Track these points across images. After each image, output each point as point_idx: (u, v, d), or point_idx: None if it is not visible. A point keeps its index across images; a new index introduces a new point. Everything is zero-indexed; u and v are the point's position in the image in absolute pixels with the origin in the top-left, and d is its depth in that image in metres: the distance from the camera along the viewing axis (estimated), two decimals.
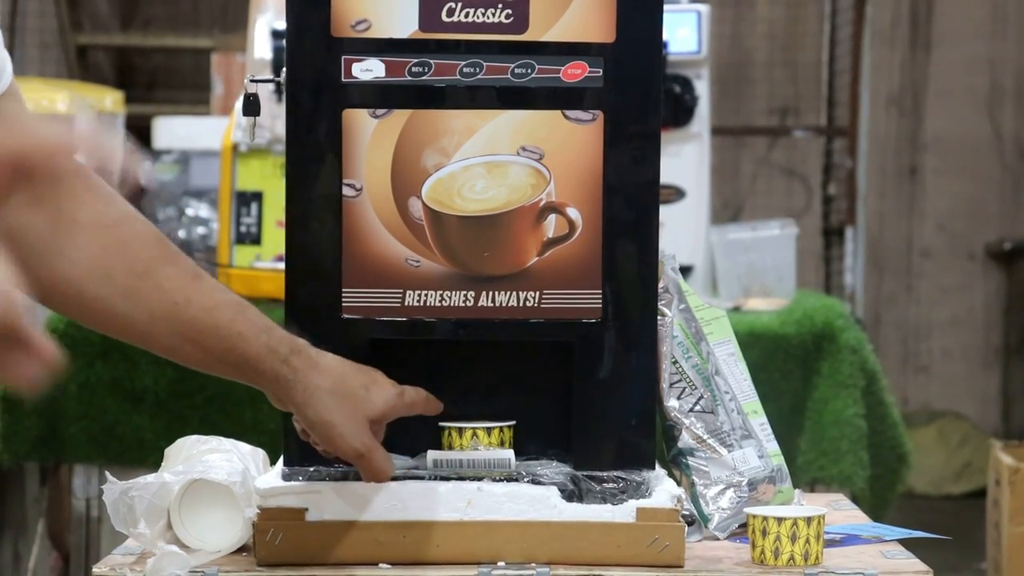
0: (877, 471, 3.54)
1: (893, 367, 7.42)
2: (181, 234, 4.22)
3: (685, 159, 3.56)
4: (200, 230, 4.43)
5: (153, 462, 1.74)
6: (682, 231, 3.58)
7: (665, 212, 3.85)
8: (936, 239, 7.43)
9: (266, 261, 3.35)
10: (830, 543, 1.56)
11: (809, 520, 1.48)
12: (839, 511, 1.76)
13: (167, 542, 1.52)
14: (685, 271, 3.70)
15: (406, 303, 1.51)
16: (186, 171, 4.28)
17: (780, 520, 1.48)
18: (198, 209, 4.35)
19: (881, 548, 1.56)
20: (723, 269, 3.73)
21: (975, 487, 7.15)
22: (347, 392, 1.43)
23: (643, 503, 1.49)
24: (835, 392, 3.45)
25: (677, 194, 3.59)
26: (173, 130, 4.32)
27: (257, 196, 3.57)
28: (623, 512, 1.48)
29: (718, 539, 1.61)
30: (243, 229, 3.63)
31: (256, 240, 3.59)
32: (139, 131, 4.58)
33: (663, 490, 1.50)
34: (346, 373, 1.43)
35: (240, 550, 1.52)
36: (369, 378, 1.44)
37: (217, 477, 1.50)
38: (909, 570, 1.46)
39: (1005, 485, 3.32)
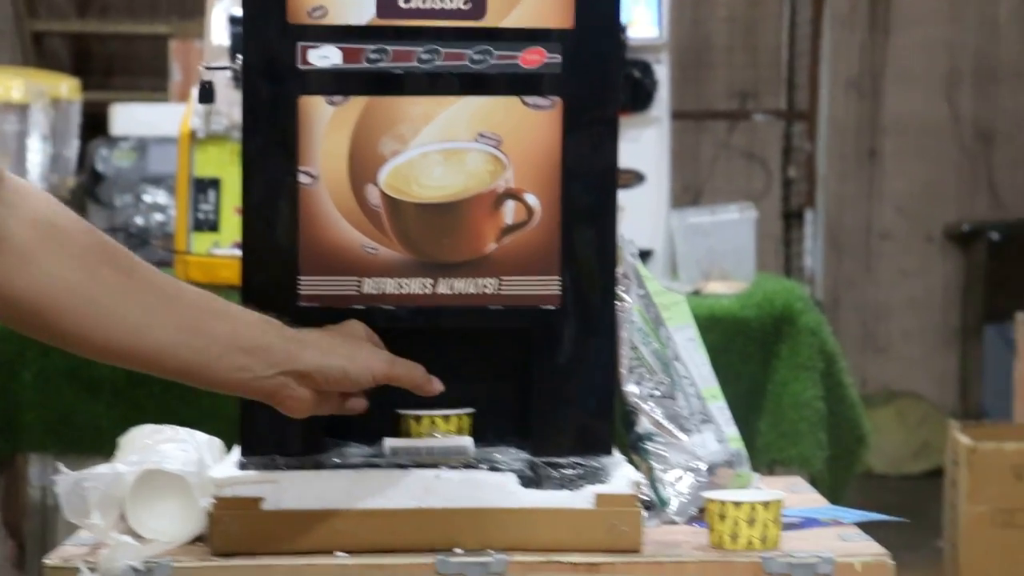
0: (836, 452, 3.55)
1: (852, 348, 7.46)
2: (139, 221, 4.19)
3: (645, 144, 3.56)
4: (158, 217, 4.40)
5: (110, 451, 1.72)
6: (642, 215, 3.58)
7: (625, 196, 3.86)
8: (895, 221, 7.47)
9: (224, 248, 3.33)
10: (788, 527, 1.56)
11: (767, 504, 1.49)
12: (797, 494, 1.77)
13: (121, 533, 1.51)
14: (645, 255, 3.70)
15: (363, 291, 1.50)
16: (144, 158, 4.25)
17: (738, 504, 1.48)
18: (156, 196, 4.33)
19: (839, 531, 1.56)
20: (683, 253, 3.73)
21: (933, 466, 7.19)
22: (348, 335, 1.44)
23: (601, 489, 1.49)
24: (794, 374, 3.46)
25: (637, 178, 3.59)
26: (130, 117, 4.30)
27: (215, 183, 3.55)
28: (581, 498, 1.48)
29: (676, 523, 1.61)
30: (201, 216, 3.61)
31: (214, 227, 3.57)
32: (96, 118, 4.55)
33: (621, 476, 1.50)
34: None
35: (196, 540, 1.51)
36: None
37: (171, 467, 1.49)
38: (866, 552, 1.47)
39: (963, 465, 3.34)
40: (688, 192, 6.90)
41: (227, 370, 1.37)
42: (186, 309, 1.36)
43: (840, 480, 3.59)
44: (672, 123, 3.74)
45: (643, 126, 3.56)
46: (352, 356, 1.42)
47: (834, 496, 3.62)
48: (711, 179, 7.02)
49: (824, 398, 3.48)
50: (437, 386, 1.47)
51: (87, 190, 4.21)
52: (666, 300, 1.74)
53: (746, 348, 3.48)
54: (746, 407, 3.44)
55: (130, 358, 1.36)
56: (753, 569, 1.45)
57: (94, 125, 4.58)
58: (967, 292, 7.55)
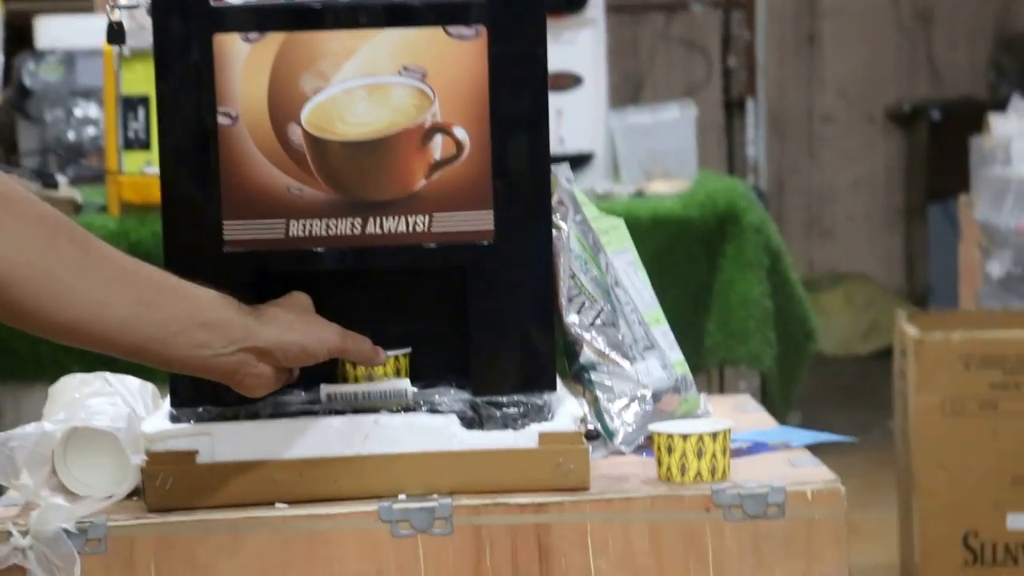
0: (785, 349, 3.54)
1: (798, 233, 7.46)
2: (71, 136, 4.10)
3: (581, 45, 3.50)
4: (90, 131, 4.32)
5: (51, 378, 1.67)
6: (580, 118, 3.52)
7: (562, 99, 3.80)
8: (836, 105, 7.43)
9: (157, 167, 3.25)
10: (736, 453, 1.54)
11: (715, 435, 1.46)
12: (746, 414, 1.74)
13: (52, 490, 1.46)
14: (585, 158, 3.64)
15: (290, 233, 1.45)
16: (72, 71, 4.14)
17: (685, 437, 1.45)
18: (87, 110, 4.24)
19: (788, 456, 1.54)
20: (624, 154, 3.69)
21: (882, 346, 7.23)
22: (297, 308, 1.42)
23: (545, 427, 1.45)
24: (740, 273, 3.44)
25: (574, 81, 3.53)
26: (56, 29, 4.18)
27: (144, 101, 3.47)
28: (525, 437, 1.45)
29: (624, 454, 1.58)
30: (131, 135, 3.53)
31: (145, 145, 3.50)
32: (20, 30, 4.42)
33: (565, 412, 1.47)
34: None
35: (131, 495, 1.47)
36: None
37: (100, 424, 1.44)
38: (817, 479, 1.44)
39: (911, 356, 3.34)
40: (628, 84, 6.83)
41: (187, 347, 1.33)
42: (143, 284, 1.32)
43: (790, 376, 3.58)
44: (609, 19, 3.67)
45: (579, 27, 3.49)
46: (308, 331, 1.39)
47: (784, 393, 3.63)
48: (651, 71, 6.95)
49: (771, 295, 3.47)
50: (383, 357, 1.44)
51: (15, 105, 4.11)
52: (604, 225, 1.69)
53: (691, 249, 3.46)
54: (693, 308, 3.42)
55: (89, 335, 1.31)
56: (703, 502, 1.42)
57: (18, 38, 4.46)
58: (910, 172, 7.55)
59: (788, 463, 1.51)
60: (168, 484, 1.43)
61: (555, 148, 1.48)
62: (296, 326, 1.39)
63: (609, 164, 3.69)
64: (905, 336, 3.39)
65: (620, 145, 3.68)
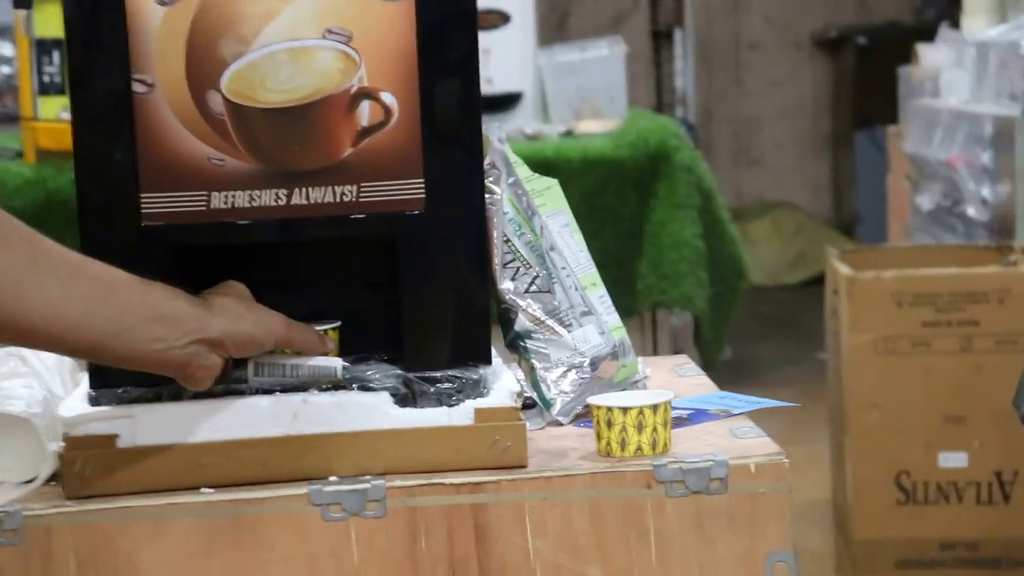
0: (717, 290, 3.52)
1: (726, 162, 7.44)
2: None
3: None
4: (4, 70, 4.21)
5: None
6: (508, 57, 3.46)
7: (490, 38, 3.73)
8: (763, 31, 7.39)
9: None
10: (677, 422, 1.50)
11: (655, 408, 1.41)
12: (685, 378, 1.70)
13: None
14: (514, 97, 3.58)
15: (212, 205, 1.39)
16: None
17: (625, 410, 1.41)
18: (1, 48, 4.13)
19: (730, 425, 1.50)
20: (553, 93, 3.63)
21: (810, 275, 7.24)
22: (240, 297, 1.37)
23: (480, 403, 1.40)
24: (672, 214, 3.41)
25: (501, 19, 3.46)
26: None
27: (58, 44, 3.37)
28: (460, 414, 1.40)
29: (561, 424, 1.53)
30: (46, 79, 3.43)
31: (60, 90, 3.40)
32: None
33: (501, 387, 1.42)
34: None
35: (49, 480, 1.41)
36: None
37: (14, 409, 1.38)
38: (760, 452, 1.40)
39: (843, 295, 3.32)
40: (555, 15, 6.75)
41: (142, 341, 1.27)
42: (93, 280, 1.26)
43: (723, 317, 3.56)
44: None
45: None
46: (257, 320, 1.34)
47: (717, 334, 3.60)
48: (578, 2, 6.87)
49: (703, 236, 3.44)
50: (330, 345, 1.39)
51: None
52: (538, 186, 1.64)
53: (622, 189, 3.42)
54: (625, 250, 3.38)
55: (46, 336, 1.25)
56: (644, 478, 1.38)
57: None
58: (837, 99, 7.54)
59: (730, 433, 1.47)
60: (87, 470, 1.37)
61: (484, 89, 1.42)
62: (247, 316, 1.33)
63: (538, 104, 3.64)
64: (837, 275, 3.37)
65: (549, 84, 3.62)
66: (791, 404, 1.60)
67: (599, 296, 1.64)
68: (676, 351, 3.73)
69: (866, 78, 7.16)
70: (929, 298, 3.26)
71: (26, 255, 1.22)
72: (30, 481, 1.40)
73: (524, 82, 3.53)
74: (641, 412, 1.41)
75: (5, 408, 1.38)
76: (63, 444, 1.37)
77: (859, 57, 7.23)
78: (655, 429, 1.41)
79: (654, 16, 5.73)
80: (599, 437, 1.43)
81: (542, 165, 2.69)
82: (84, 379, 1.44)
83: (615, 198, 3.41)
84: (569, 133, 3.55)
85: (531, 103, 3.56)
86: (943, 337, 3.26)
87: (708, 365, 3.48)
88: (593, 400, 1.44)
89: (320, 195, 1.39)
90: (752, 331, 6.20)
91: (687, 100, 5.79)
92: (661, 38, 5.81)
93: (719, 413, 1.54)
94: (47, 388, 1.44)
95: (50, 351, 1.27)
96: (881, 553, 3.25)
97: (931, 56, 4.77)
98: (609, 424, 1.42)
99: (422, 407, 1.40)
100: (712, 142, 7.32)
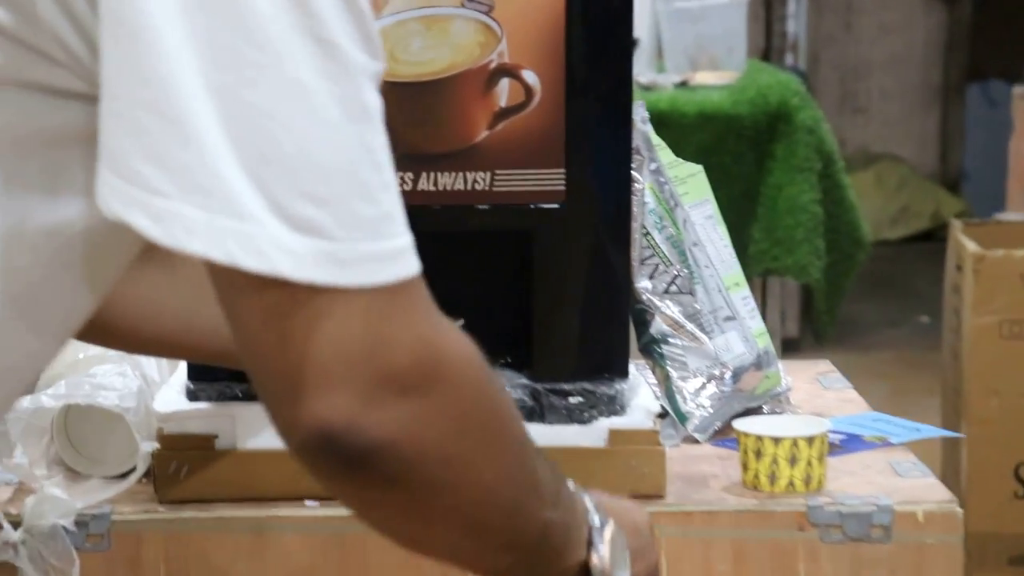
0: (833, 259, 3.35)
1: (830, 109, 7.20)
2: None
3: None
4: None
5: None
6: None
7: None
8: None
9: None
10: (829, 449, 1.34)
11: (811, 440, 1.26)
12: (830, 391, 1.55)
13: (52, 463, 1.28)
14: None
15: None
16: None
17: (777, 441, 1.26)
18: None
19: (889, 458, 1.34)
20: (669, 40, 3.46)
21: (912, 231, 7.01)
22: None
23: (616, 423, 1.26)
24: (790, 177, 3.23)
25: None
26: None
27: None
28: (592, 434, 1.26)
29: (698, 442, 1.39)
30: None
31: None
32: None
33: (638, 406, 1.27)
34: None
35: (141, 478, 1.28)
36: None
37: (107, 403, 1.25)
38: (930, 499, 1.25)
39: (968, 272, 3.13)
40: None
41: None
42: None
43: (837, 287, 3.39)
44: None
45: None
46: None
47: (831, 306, 3.43)
48: None
49: (821, 202, 3.26)
50: None
51: None
52: (681, 172, 1.48)
53: (738, 148, 3.25)
54: (738, 212, 3.21)
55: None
56: (796, 519, 1.23)
57: None
58: (949, 49, 7.27)
59: (891, 469, 1.32)
60: (182, 473, 1.25)
61: None
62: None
63: (653, 51, 3.46)
64: (963, 250, 3.18)
65: (665, 31, 3.45)
66: (954, 434, 1.44)
67: (742, 297, 1.49)
68: (783, 320, 3.55)
69: (983, 29, 6.90)
70: None
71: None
72: (120, 477, 1.28)
73: (640, 28, 3.36)
74: (795, 444, 1.26)
75: (97, 401, 1.25)
76: (157, 444, 1.25)
77: (976, 6, 6.97)
78: (810, 463, 1.26)
79: None
80: (745, 467, 1.28)
81: (655, 118, 2.51)
82: (182, 368, 1.32)
83: (730, 157, 3.24)
84: (684, 84, 3.38)
85: (646, 51, 3.39)
86: None
87: (819, 337, 3.31)
88: (740, 426, 1.29)
89: (450, 181, 1.25)
90: (851, 289, 6.01)
91: (798, 46, 5.57)
92: None
93: (875, 441, 1.39)
94: (141, 373, 1.31)
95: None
96: (994, 547, 3.09)
97: None
98: (758, 455, 1.27)
99: (550, 423, 1.26)
100: (817, 87, 7.09)
